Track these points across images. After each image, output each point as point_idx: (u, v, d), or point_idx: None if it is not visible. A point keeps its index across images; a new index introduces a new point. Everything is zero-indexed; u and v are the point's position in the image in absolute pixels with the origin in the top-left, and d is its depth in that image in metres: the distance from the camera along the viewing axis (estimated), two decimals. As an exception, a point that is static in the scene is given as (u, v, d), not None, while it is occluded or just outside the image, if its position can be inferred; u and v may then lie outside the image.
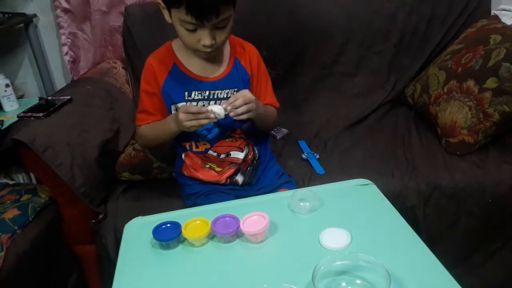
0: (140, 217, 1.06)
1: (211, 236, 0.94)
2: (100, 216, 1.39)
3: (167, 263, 0.90)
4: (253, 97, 1.07)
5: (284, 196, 1.06)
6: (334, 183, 1.11)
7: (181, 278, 0.86)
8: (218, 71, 1.17)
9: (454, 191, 1.32)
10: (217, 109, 1.05)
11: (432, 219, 1.34)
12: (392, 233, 0.91)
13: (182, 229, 0.92)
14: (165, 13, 1.07)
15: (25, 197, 1.48)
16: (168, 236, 0.92)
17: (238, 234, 0.93)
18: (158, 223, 0.96)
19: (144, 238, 0.96)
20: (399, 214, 0.96)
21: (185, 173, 1.26)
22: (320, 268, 0.76)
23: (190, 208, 1.14)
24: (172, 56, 1.15)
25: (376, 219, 0.95)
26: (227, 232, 0.91)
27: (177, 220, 0.95)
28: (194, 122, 1.05)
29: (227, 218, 0.94)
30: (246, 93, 1.07)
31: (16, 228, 1.34)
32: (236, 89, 1.17)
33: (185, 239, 0.93)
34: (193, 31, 1.02)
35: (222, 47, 1.14)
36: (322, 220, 0.96)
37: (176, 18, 1.02)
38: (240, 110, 1.05)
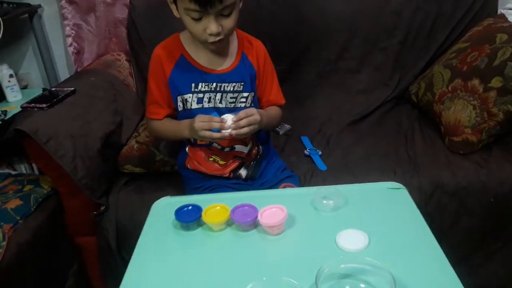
0: (168, 196, 1.11)
1: (230, 223, 0.96)
2: (102, 208, 1.39)
3: (185, 243, 0.94)
4: (258, 118, 1.07)
5: (308, 192, 1.06)
6: (364, 184, 1.09)
7: (194, 258, 0.90)
8: (225, 64, 1.17)
9: (456, 190, 1.32)
10: (229, 119, 1.06)
11: (434, 218, 1.33)
12: (413, 241, 0.88)
13: (203, 213, 0.96)
14: (173, 7, 1.07)
15: (27, 188, 1.49)
16: (189, 218, 0.96)
17: (255, 224, 0.95)
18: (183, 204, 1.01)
19: (169, 217, 1.00)
20: (425, 223, 0.93)
21: (188, 166, 1.26)
22: (324, 270, 0.75)
23: (215, 194, 1.16)
24: (179, 47, 1.15)
25: (399, 225, 0.93)
26: (245, 221, 0.93)
27: (202, 205, 0.99)
28: (207, 133, 1.05)
29: (246, 207, 0.96)
30: (252, 112, 1.07)
31: (18, 218, 1.34)
32: (243, 83, 1.17)
33: (204, 223, 0.96)
34: (199, 19, 1.02)
35: (229, 39, 1.14)
36: (343, 220, 0.95)
37: (182, 8, 1.02)
38: (243, 130, 1.06)
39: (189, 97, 1.15)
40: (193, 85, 1.14)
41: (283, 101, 1.28)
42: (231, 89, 1.16)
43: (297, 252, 0.88)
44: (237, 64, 1.17)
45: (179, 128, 1.16)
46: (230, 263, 0.87)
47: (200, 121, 1.05)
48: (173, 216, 0.98)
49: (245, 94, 1.19)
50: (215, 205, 0.98)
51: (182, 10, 1.03)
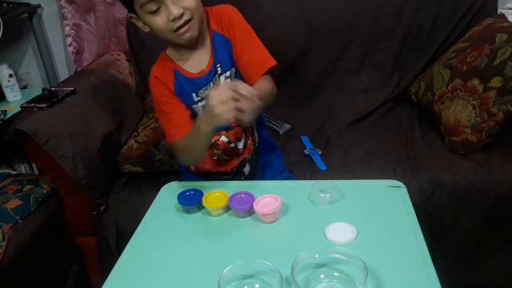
0: (177, 181, 1.16)
1: (228, 209, 1.01)
2: (102, 208, 1.39)
3: (185, 225, 1.00)
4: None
5: (306, 185, 1.07)
6: (364, 180, 1.10)
7: (191, 239, 0.95)
8: (207, 56, 1.11)
9: (456, 190, 1.32)
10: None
11: (434, 218, 1.34)
12: (401, 239, 0.88)
13: (203, 199, 1.00)
14: (139, 24, 1.05)
15: (27, 188, 1.49)
16: (190, 202, 1.02)
17: (251, 211, 0.98)
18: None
19: (174, 200, 1.05)
20: (418, 223, 0.93)
21: (192, 167, 1.23)
22: (299, 261, 0.77)
23: (218, 182, 1.16)
24: (170, 62, 1.12)
25: (391, 223, 0.93)
26: (241, 208, 0.97)
27: (205, 190, 1.03)
28: (229, 107, 0.86)
29: (243, 195, 1.00)
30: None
31: (18, 218, 1.34)
32: (219, 64, 1.10)
33: (204, 207, 1.01)
34: (157, 10, 0.98)
35: (202, 24, 1.06)
36: (336, 213, 0.97)
37: (139, 8, 0.99)
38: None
39: (195, 107, 1.12)
40: (194, 95, 1.11)
41: (273, 62, 1.08)
42: (220, 72, 1.10)
43: (286, 241, 0.91)
44: (212, 48, 1.10)
45: (195, 128, 1.01)
46: (222, 246, 0.92)
47: (223, 103, 0.86)
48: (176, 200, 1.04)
49: (227, 74, 1.11)
50: (215, 191, 1.02)
51: (142, 12, 0.99)
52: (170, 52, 1.13)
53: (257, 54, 1.09)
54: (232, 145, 1.18)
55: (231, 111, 0.86)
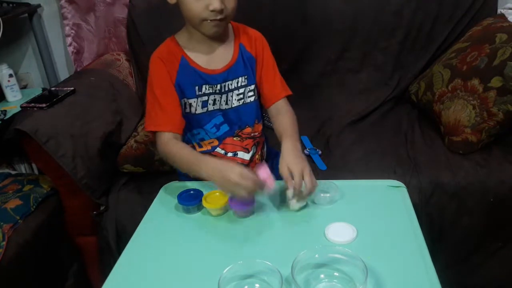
0: (177, 181, 1.17)
1: (227, 209, 1.01)
2: (102, 208, 1.39)
3: (184, 225, 1.00)
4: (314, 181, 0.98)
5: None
6: (364, 180, 1.10)
7: (191, 239, 0.95)
8: (225, 61, 1.12)
9: (456, 190, 1.32)
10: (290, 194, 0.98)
11: (433, 218, 1.34)
12: (401, 239, 0.89)
13: (203, 198, 1.01)
14: None
15: (27, 188, 1.49)
16: (189, 202, 1.02)
17: (251, 211, 0.99)
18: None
19: (174, 200, 1.05)
20: (418, 223, 0.93)
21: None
22: (299, 261, 0.78)
23: None
24: (178, 48, 1.11)
25: (391, 223, 0.93)
26: (241, 208, 0.98)
27: (205, 191, 1.03)
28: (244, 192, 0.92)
29: None
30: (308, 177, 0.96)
31: (18, 218, 1.34)
32: (246, 76, 1.14)
33: (203, 207, 1.02)
34: None
35: (228, 25, 1.10)
36: (337, 213, 0.97)
37: None
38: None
39: (194, 101, 1.11)
40: (196, 88, 1.10)
41: (289, 92, 1.19)
42: (236, 86, 1.13)
43: (286, 241, 0.92)
44: (236, 59, 1.13)
45: (198, 162, 1.00)
46: (222, 246, 0.92)
47: (243, 177, 0.90)
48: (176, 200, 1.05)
49: (252, 87, 1.16)
50: (215, 191, 1.02)
51: None
52: (180, 38, 1.12)
53: (278, 85, 1.19)
54: (230, 155, 1.18)
55: (241, 191, 0.91)
